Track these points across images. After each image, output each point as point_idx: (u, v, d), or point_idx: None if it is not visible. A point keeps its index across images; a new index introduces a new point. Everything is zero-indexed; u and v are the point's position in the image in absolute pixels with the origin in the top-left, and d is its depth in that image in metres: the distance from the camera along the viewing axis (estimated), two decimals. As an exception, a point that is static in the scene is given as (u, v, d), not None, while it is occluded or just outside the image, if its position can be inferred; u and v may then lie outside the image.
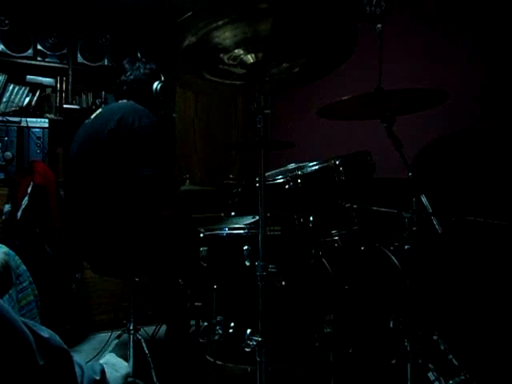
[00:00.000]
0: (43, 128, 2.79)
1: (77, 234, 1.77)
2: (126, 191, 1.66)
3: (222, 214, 1.93)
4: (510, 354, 1.47)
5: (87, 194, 1.68)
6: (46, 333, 0.73)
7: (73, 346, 2.34)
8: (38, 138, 2.76)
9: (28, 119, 2.76)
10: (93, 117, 1.80)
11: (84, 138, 1.74)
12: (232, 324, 1.38)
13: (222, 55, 1.11)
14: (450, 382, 1.28)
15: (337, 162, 1.58)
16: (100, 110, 1.82)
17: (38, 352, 0.68)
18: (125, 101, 1.85)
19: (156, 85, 1.88)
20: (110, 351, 1.79)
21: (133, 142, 1.63)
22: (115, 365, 0.90)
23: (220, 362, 1.40)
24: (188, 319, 1.88)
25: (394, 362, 1.39)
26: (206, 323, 1.44)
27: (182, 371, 1.75)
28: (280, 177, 1.61)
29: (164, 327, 2.07)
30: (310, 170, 1.60)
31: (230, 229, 1.47)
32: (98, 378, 0.81)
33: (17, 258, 1.50)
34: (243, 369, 1.38)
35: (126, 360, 1.77)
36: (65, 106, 3.06)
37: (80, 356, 2.08)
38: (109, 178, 1.65)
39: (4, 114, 2.81)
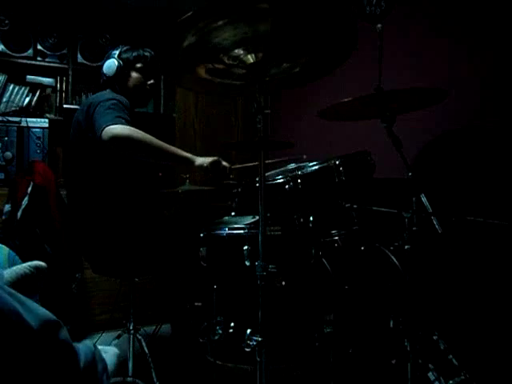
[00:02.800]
0: (43, 128, 2.79)
1: (78, 234, 1.77)
2: (120, 187, 1.67)
3: (233, 213, 1.93)
4: (510, 354, 1.47)
5: (85, 194, 1.68)
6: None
7: (73, 346, 2.33)
8: (38, 138, 2.76)
9: (28, 119, 2.76)
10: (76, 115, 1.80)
11: (71, 136, 1.76)
12: (232, 324, 1.38)
13: (221, 55, 1.11)
14: (450, 382, 1.28)
15: (337, 162, 1.58)
16: (81, 106, 1.81)
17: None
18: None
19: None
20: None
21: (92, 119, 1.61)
22: (103, 349, 0.89)
23: (220, 362, 1.40)
24: (188, 319, 1.88)
25: (394, 362, 1.39)
26: (206, 323, 1.44)
27: (181, 371, 1.75)
28: (280, 177, 1.61)
29: (164, 327, 2.07)
30: (310, 170, 1.60)
31: (230, 229, 1.47)
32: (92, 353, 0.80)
33: (17, 258, 1.50)
34: (243, 369, 1.38)
35: (126, 360, 1.78)
36: (65, 106, 3.06)
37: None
38: (100, 175, 1.66)
39: (4, 113, 2.81)
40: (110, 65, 1.80)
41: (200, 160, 1.66)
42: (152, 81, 1.89)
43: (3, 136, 2.69)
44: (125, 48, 1.85)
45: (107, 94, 1.72)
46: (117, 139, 1.51)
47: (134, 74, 1.84)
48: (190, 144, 3.17)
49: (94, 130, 1.55)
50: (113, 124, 1.51)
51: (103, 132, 1.50)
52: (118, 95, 1.70)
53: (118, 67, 1.80)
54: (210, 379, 1.41)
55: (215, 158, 1.69)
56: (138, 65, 1.85)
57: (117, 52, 1.83)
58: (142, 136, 1.56)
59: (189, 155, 1.66)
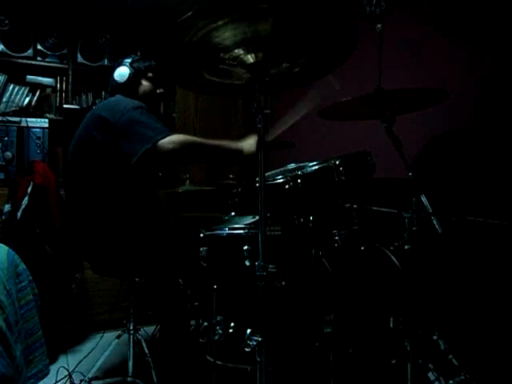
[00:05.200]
0: (43, 128, 2.79)
1: (77, 234, 1.77)
2: (121, 187, 1.67)
3: (233, 213, 1.93)
4: (510, 354, 1.47)
5: (86, 195, 1.68)
6: None
7: (73, 346, 2.34)
8: (38, 138, 2.76)
9: (28, 119, 2.76)
10: (85, 118, 1.81)
11: (77, 138, 1.76)
12: (232, 324, 1.38)
13: (222, 55, 1.11)
14: (450, 382, 1.28)
15: (337, 162, 1.57)
16: (91, 110, 1.83)
17: None
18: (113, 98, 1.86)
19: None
20: (110, 351, 1.79)
21: (122, 128, 1.61)
22: None
23: (220, 362, 1.40)
24: (188, 319, 1.88)
25: (394, 362, 1.39)
26: (206, 323, 1.44)
27: (182, 371, 1.75)
28: (280, 177, 1.61)
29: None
30: (310, 169, 1.60)
31: (230, 229, 1.47)
32: None
33: (16, 256, 1.50)
34: (243, 369, 1.38)
35: (127, 360, 1.78)
36: (65, 105, 3.07)
37: (80, 356, 2.08)
38: (105, 175, 1.66)
39: (4, 113, 2.81)
40: (122, 72, 1.84)
41: (247, 147, 1.64)
42: (161, 89, 1.94)
43: (3, 136, 2.69)
44: (136, 58, 1.91)
45: (126, 100, 1.72)
46: (177, 150, 1.54)
47: (145, 83, 1.89)
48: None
49: (139, 143, 1.54)
50: (165, 137, 1.53)
51: (159, 145, 1.51)
52: (136, 101, 1.72)
53: (130, 75, 1.84)
54: (210, 379, 1.41)
55: (254, 137, 1.64)
56: (150, 74, 1.90)
57: (129, 60, 1.87)
58: (195, 139, 1.60)
59: (237, 146, 1.63)
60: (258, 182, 1.12)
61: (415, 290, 1.28)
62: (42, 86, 3.09)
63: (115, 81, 1.85)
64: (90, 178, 1.68)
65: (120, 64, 1.87)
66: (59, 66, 3.08)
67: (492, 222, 1.24)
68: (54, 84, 3.14)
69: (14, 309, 1.31)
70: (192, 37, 1.02)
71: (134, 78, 1.85)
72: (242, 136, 1.69)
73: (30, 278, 1.53)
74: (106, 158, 1.65)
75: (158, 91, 1.93)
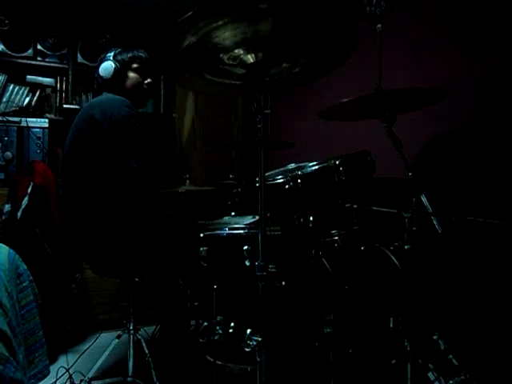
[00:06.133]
0: (43, 128, 2.79)
1: (76, 235, 1.77)
2: (119, 187, 1.67)
3: (233, 213, 1.93)
4: (510, 354, 1.47)
5: (83, 194, 1.68)
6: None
7: (73, 346, 2.34)
8: (38, 138, 2.76)
9: (28, 119, 2.76)
10: (76, 118, 1.81)
11: (70, 138, 1.76)
12: (232, 324, 1.38)
13: (222, 55, 1.11)
14: (450, 382, 1.28)
15: (337, 162, 1.58)
16: (82, 109, 1.82)
17: None
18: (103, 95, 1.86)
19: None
20: (110, 351, 1.79)
21: (115, 134, 1.63)
22: None
23: (220, 362, 1.40)
24: (188, 319, 1.88)
25: (394, 362, 1.39)
26: (206, 323, 1.44)
27: (182, 371, 1.75)
28: (280, 177, 1.61)
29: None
30: (309, 169, 1.60)
31: (230, 229, 1.47)
32: None
33: (17, 257, 1.50)
34: (243, 369, 1.38)
35: (127, 360, 1.78)
36: (65, 106, 3.06)
37: (80, 356, 2.06)
38: (100, 175, 1.66)
39: (4, 113, 2.81)
40: (107, 67, 1.81)
41: None
42: (149, 80, 1.92)
43: (3, 136, 2.69)
44: (118, 50, 1.87)
45: (116, 101, 1.71)
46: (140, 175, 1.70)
47: (132, 74, 1.87)
48: (190, 144, 3.17)
49: (124, 151, 1.65)
50: (141, 167, 1.66)
51: (135, 170, 1.66)
52: (125, 100, 1.72)
53: (115, 69, 1.81)
54: (210, 379, 1.41)
55: None
56: (134, 65, 1.87)
57: (111, 54, 1.85)
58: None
59: None
60: (258, 182, 1.12)
61: (415, 290, 1.28)
62: (42, 86, 3.09)
63: (101, 77, 1.82)
64: (86, 178, 1.67)
65: (103, 59, 1.85)
66: (59, 66, 3.09)
67: (492, 222, 1.24)
68: (53, 84, 3.14)
69: (15, 311, 1.31)
70: (192, 37, 1.02)
71: (119, 72, 1.82)
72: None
73: (31, 278, 1.53)
74: (101, 158, 1.65)
75: (145, 82, 1.90)
